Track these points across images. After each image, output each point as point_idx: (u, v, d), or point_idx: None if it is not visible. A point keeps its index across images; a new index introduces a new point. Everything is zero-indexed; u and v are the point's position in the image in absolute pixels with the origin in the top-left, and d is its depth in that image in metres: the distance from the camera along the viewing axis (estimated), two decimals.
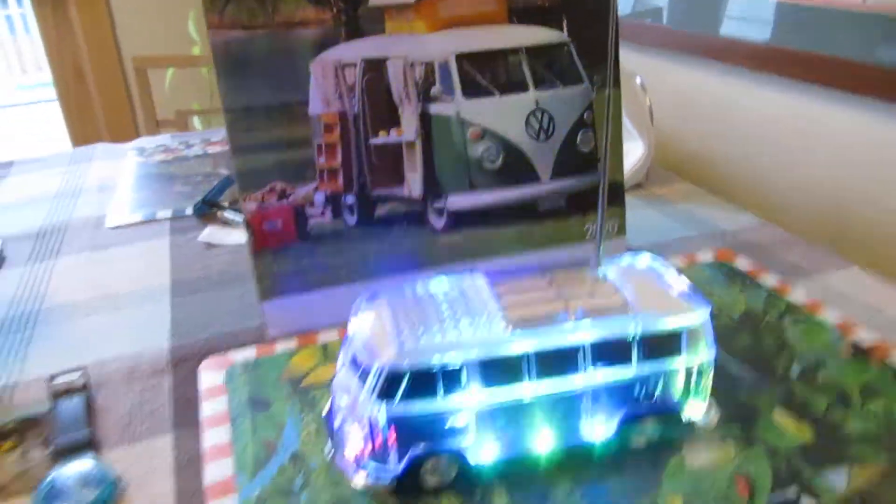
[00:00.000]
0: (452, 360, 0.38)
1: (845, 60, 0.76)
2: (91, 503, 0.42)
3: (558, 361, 0.39)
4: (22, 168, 1.02)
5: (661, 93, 1.07)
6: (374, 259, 0.58)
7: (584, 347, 0.39)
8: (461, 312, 0.40)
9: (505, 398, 0.39)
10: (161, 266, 0.71)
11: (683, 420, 0.43)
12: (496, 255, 0.62)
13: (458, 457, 0.40)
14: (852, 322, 0.56)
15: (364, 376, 0.39)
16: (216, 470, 0.44)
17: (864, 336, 0.54)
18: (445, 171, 0.59)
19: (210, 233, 0.77)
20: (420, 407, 0.38)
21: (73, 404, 0.51)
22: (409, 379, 0.38)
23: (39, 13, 2.07)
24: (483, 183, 0.60)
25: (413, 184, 0.58)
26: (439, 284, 0.43)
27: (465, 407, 0.39)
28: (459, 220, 0.60)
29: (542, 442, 0.41)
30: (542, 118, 0.60)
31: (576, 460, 0.43)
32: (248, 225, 0.55)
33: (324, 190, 0.56)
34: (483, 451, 0.40)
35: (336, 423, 0.43)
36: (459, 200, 0.60)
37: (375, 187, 0.58)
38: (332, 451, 0.43)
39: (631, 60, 1.13)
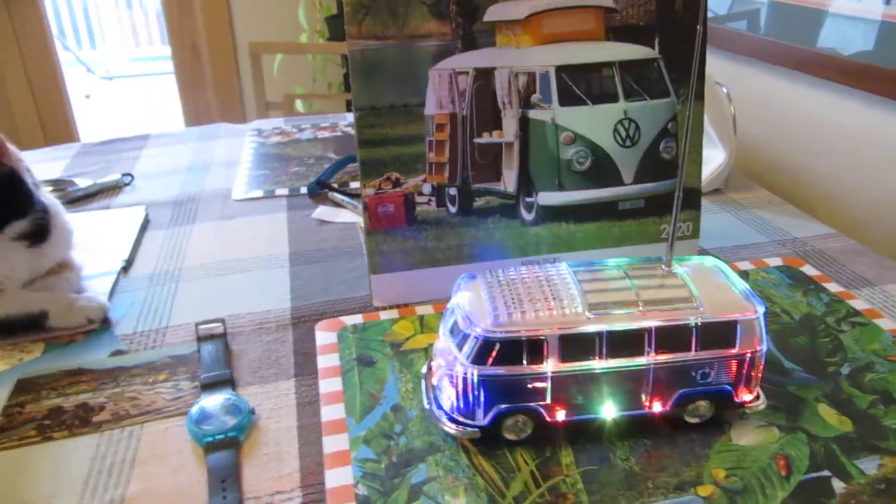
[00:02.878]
0: (537, 334, 0.45)
1: None
2: (233, 427, 0.52)
3: (626, 342, 0.46)
4: (157, 141, 1.15)
5: (748, 101, 1.10)
6: (470, 245, 0.66)
7: (649, 332, 0.46)
8: (547, 294, 0.47)
9: (578, 369, 0.46)
10: (280, 237, 0.82)
11: (734, 403, 0.49)
12: (579, 248, 0.69)
13: (535, 415, 0.48)
14: None
15: (462, 342, 0.47)
16: (330, 412, 0.54)
17: None
18: (538, 170, 0.66)
19: (322, 211, 0.87)
20: (507, 371, 0.46)
21: (214, 348, 0.62)
22: (499, 347, 0.46)
23: None
24: (571, 182, 0.67)
25: (509, 180, 0.66)
26: (529, 270, 0.50)
27: (544, 373, 0.46)
28: (547, 214, 0.67)
29: (607, 409, 0.48)
30: (628, 127, 0.67)
31: (635, 428, 0.50)
32: (366, 207, 0.64)
33: (431, 181, 0.65)
34: (556, 412, 0.48)
35: (433, 381, 0.52)
36: (549, 197, 0.67)
37: (476, 181, 0.66)
38: (428, 404, 0.51)
39: (720, 67, 1.16)
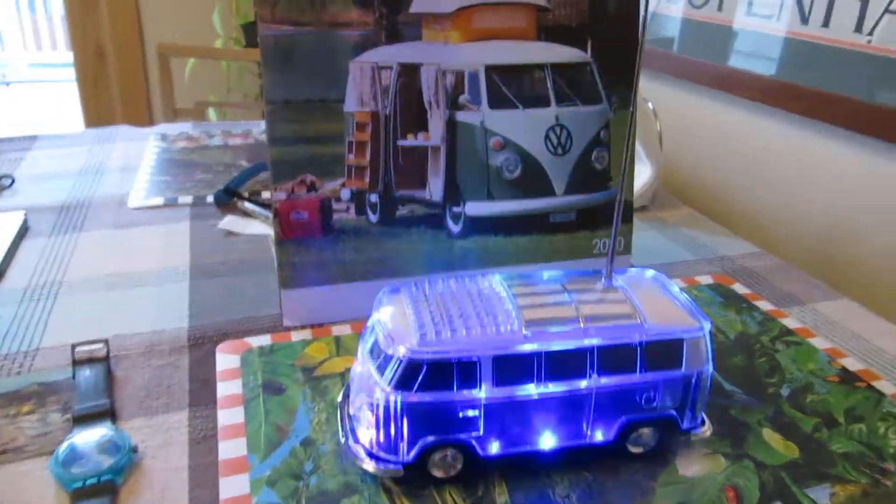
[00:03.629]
0: (468, 354, 0.40)
1: (847, 98, 0.79)
2: (108, 469, 0.44)
3: (567, 363, 0.41)
4: (45, 143, 1.04)
5: (668, 118, 1.10)
6: (392, 258, 0.61)
7: (592, 350, 0.41)
8: (479, 310, 0.42)
9: (515, 395, 0.41)
10: (181, 249, 0.73)
11: (679, 430, 0.45)
12: (508, 263, 0.64)
13: (467, 449, 0.42)
14: (840, 349, 0.59)
15: (383, 365, 0.41)
16: (229, 449, 0.47)
17: (851, 362, 0.57)
18: (466, 177, 0.61)
19: (230, 221, 0.80)
20: (434, 398, 0.41)
21: (93, 373, 0.53)
22: (426, 370, 0.40)
23: None
24: (500, 192, 0.62)
25: (434, 187, 0.61)
26: (459, 283, 0.45)
27: (477, 400, 0.41)
28: (475, 226, 0.62)
29: (546, 440, 0.43)
30: (560, 133, 0.63)
31: (576, 461, 0.45)
32: (277, 213, 0.57)
33: (350, 186, 0.59)
34: (489, 444, 0.42)
35: (349, 411, 0.46)
36: (477, 207, 0.62)
37: (399, 188, 0.60)
38: (344, 437, 0.45)
39: (641, 85, 1.16)
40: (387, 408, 0.41)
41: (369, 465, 0.43)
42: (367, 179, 0.59)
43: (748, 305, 0.66)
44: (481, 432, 0.42)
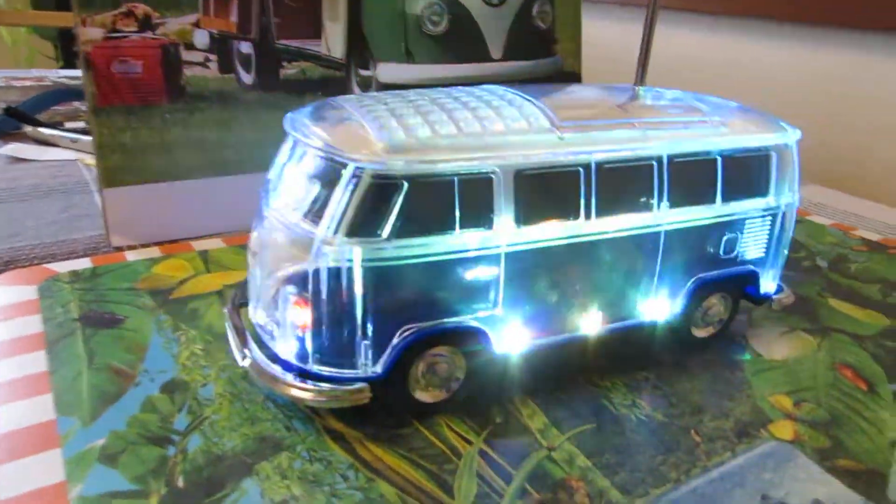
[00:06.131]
0: (477, 164, 0.23)
1: None
2: None
3: (626, 184, 0.25)
4: None
5: None
6: (274, 140, 0.41)
7: (660, 162, 0.26)
8: (482, 108, 0.25)
9: (551, 239, 0.24)
10: None
11: (755, 296, 0.31)
12: None
13: (472, 344, 0.25)
14: (845, 223, 0.48)
15: (320, 208, 0.23)
16: (23, 413, 0.25)
17: (866, 234, 0.47)
18: (376, 28, 0.44)
19: (17, 148, 0.55)
20: (419, 250, 0.23)
21: None
22: (406, 195, 0.22)
23: None
24: (423, 51, 0.46)
25: (333, 39, 0.43)
26: (440, 93, 0.27)
27: (491, 251, 0.24)
28: None
29: (591, 320, 0.27)
30: None
31: (633, 352, 0.29)
32: (89, 63, 0.36)
33: (209, 27, 0.39)
34: (508, 332, 0.25)
35: (257, 317, 0.26)
36: (393, 71, 0.45)
37: (283, 36, 0.41)
38: (243, 357, 0.25)
39: None
40: (334, 278, 0.22)
41: (303, 392, 0.24)
42: (235, 18, 0.40)
43: None
44: (499, 309, 0.24)
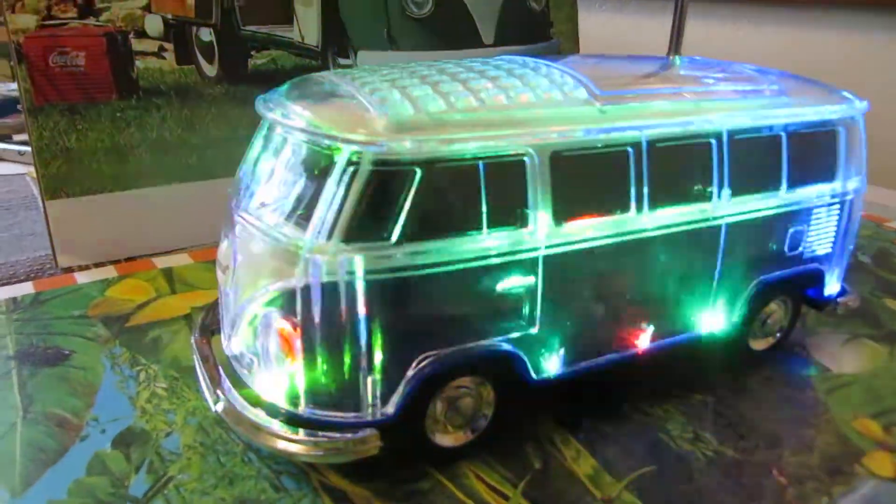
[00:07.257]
0: (505, 144, 0.18)
1: None
2: None
3: (680, 169, 0.21)
4: None
5: None
6: (242, 139, 0.36)
7: (718, 140, 0.21)
8: (504, 77, 0.20)
9: (600, 234, 0.20)
10: None
11: (818, 299, 0.26)
12: None
13: (504, 371, 0.20)
14: (878, 215, 0.45)
15: (302, 211, 0.18)
16: None
17: None
18: (355, 13, 0.39)
19: None
20: (434, 257, 0.18)
21: None
22: (418, 185, 0.17)
23: None
24: (407, 37, 0.41)
25: (306, 25, 0.38)
26: (446, 64, 0.22)
27: (532, 251, 0.19)
28: None
29: (642, 335, 0.22)
30: None
31: (683, 371, 0.24)
32: (21, 56, 0.31)
33: (161, 12, 0.34)
34: (548, 355, 0.20)
35: (232, 347, 0.21)
36: (374, 59, 0.40)
37: (249, 21, 0.36)
38: (222, 402, 0.20)
39: None
40: (329, 296, 0.17)
41: (293, 444, 0.18)
42: (192, 1, 0.35)
43: None
44: (536, 327, 0.20)
